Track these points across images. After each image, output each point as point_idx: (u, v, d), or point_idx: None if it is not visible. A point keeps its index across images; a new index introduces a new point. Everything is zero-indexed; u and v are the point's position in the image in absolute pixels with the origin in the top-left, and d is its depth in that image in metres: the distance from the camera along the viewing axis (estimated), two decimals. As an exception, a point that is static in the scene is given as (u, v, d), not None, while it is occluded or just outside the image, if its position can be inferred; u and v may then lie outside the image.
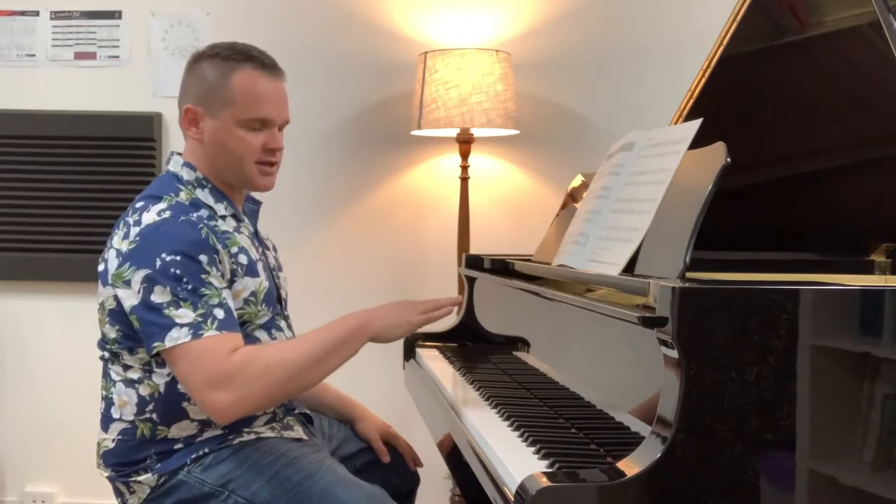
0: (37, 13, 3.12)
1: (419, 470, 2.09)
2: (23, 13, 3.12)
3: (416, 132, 2.90)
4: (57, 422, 3.11)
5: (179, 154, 1.82)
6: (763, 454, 1.16)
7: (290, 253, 2.81)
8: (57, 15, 3.12)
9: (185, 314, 1.61)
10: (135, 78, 3.10)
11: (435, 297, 1.82)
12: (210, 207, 1.76)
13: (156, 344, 1.62)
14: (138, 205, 1.73)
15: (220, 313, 1.63)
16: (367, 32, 3.08)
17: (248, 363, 1.61)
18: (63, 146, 3.07)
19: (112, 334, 1.72)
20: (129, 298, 1.65)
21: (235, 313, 1.70)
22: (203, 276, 1.64)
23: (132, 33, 3.11)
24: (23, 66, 3.13)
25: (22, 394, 3.14)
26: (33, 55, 3.13)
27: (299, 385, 1.69)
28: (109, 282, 1.69)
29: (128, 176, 3.07)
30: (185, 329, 1.60)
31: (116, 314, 1.69)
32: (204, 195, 1.77)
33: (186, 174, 1.78)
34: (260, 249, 1.85)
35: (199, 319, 1.61)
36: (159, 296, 1.62)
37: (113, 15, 3.11)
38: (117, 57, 3.11)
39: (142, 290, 1.63)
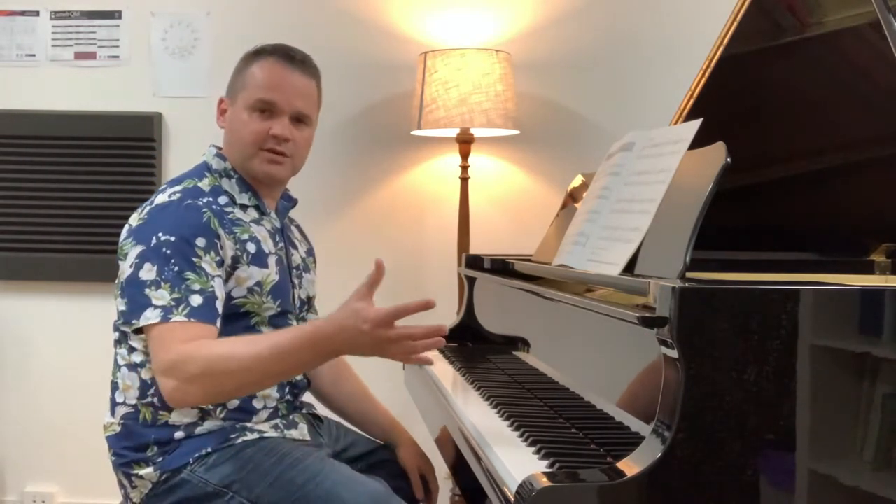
0: (37, 13, 3.12)
1: None
2: (23, 13, 3.12)
3: (416, 132, 2.90)
4: (57, 422, 3.11)
5: (215, 145, 1.87)
6: (763, 454, 1.16)
7: (290, 253, 2.81)
8: (57, 15, 3.12)
9: (161, 296, 1.63)
10: (135, 78, 3.10)
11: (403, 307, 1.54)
12: (231, 196, 1.80)
13: (133, 321, 1.66)
14: (162, 188, 1.79)
15: (195, 300, 1.63)
16: (367, 32, 3.08)
17: (191, 357, 1.58)
18: (63, 146, 3.07)
19: (122, 307, 1.74)
20: (125, 272, 1.69)
21: (221, 304, 1.68)
22: (194, 260, 1.66)
23: (132, 33, 3.11)
24: (23, 66, 3.13)
25: (22, 394, 3.14)
26: (33, 55, 3.13)
27: (238, 388, 1.64)
28: (119, 256, 1.74)
29: (128, 176, 3.07)
30: (158, 311, 1.63)
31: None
32: (229, 185, 1.81)
33: (216, 163, 1.82)
34: (281, 245, 1.86)
35: (172, 303, 1.63)
36: (146, 273, 1.65)
37: (113, 15, 3.11)
38: (117, 57, 3.11)
39: (134, 265, 1.67)
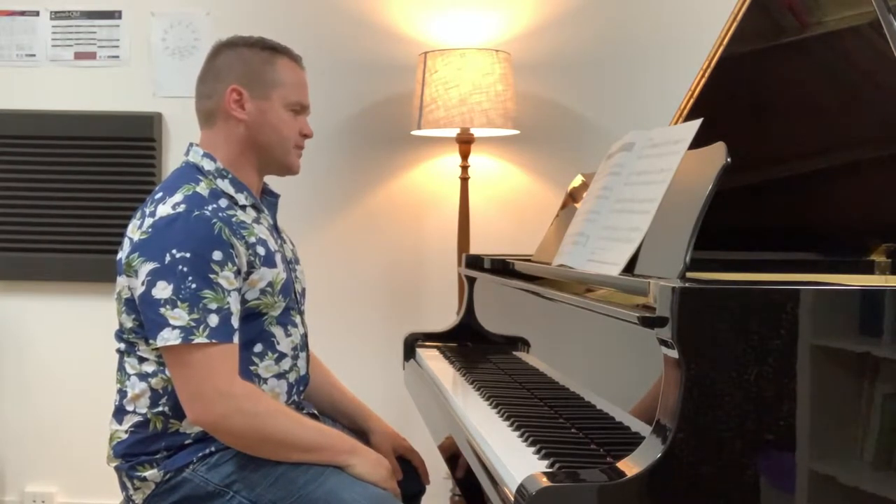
0: (37, 13, 3.12)
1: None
2: (23, 13, 3.12)
3: (416, 132, 2.90)
4: (56, 422, 3.11)
5: (198, 145, 1.84)
6: (763, 454, 1.17)
7: (290, 253, 2.81)
8: (57, 15, 3.12)
9: (179, 315, 1.62)
10: (135, 78, 3.10)
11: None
12: (231, 196, 1.78)
13: (151, 341, 1.66)
14: (157, 195, 1.75)
15: (213, 320, 1.63)
16: (367, 32, 3.08)
17: (250, 397, 1.66)
18: (63, 146, 3.07)
19: (128, 324, 1.73)
20: (136, 289, 1.68)
21: (241, 313, 1.70)
22: (211, 276, 1.65)
23: (132, 33, 3.11)
24: (23, 66, 3.13)
25: (22, 394, 3.14)
26: (33, 55, 3.13)
27: (266, 448, 1.68)
28: (123, 270, 1.72)
29: (128, 176, 3.07)
30: (177, 332, 1.62)
31: (131, 303, 1.71)
32: (224, 185, 1.79)
33: (207, 164, 1.80)
34: (278, 241, 1.87)
35: (192, 324, 1.62)
36: (161, 291, 1.63)
37: (113, 15, 3.11)
38: (117, 57, 3.11)
39: (146, 283, 1.65)
